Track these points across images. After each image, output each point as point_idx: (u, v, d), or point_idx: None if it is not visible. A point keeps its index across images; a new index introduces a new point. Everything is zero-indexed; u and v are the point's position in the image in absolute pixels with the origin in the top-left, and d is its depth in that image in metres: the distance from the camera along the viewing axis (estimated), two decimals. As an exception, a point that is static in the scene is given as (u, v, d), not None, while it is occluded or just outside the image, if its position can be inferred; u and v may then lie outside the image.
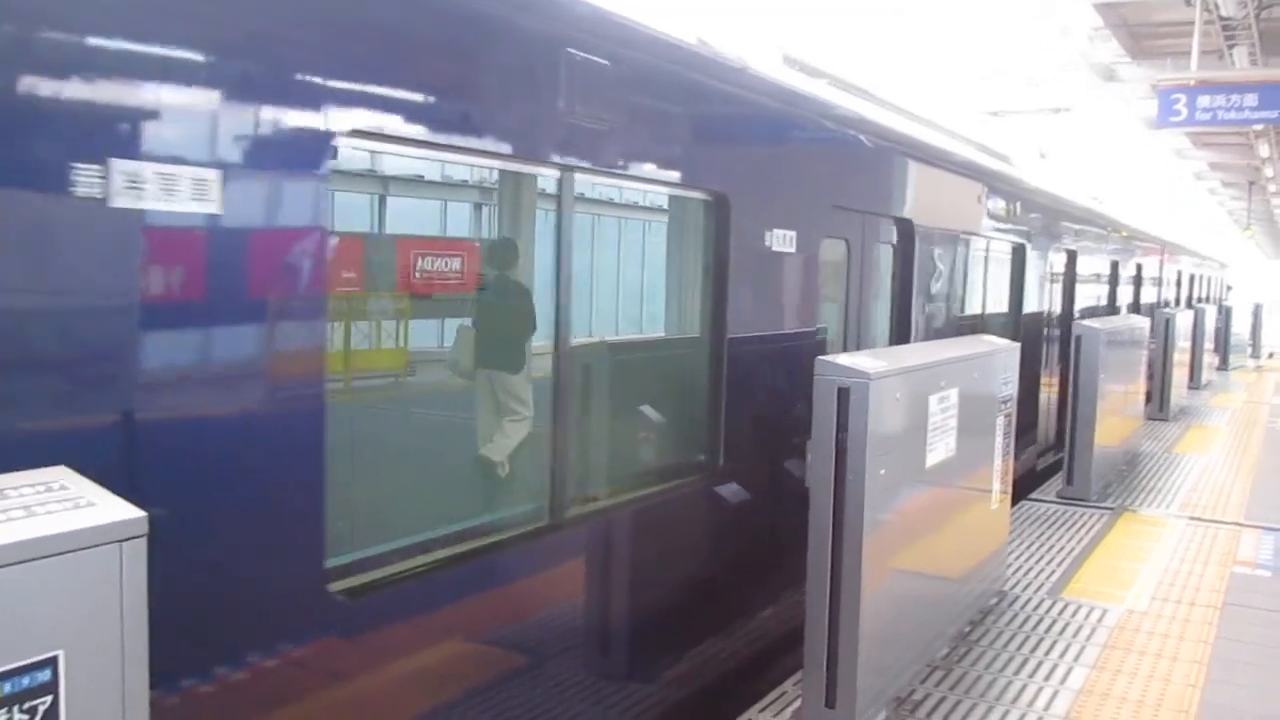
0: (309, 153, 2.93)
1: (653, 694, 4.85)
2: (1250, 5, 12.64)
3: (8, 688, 1.72)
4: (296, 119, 2.90)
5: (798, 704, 4.70)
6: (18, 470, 2.04)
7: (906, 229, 7.19)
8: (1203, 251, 28.70)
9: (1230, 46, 14.35)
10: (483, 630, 3.84)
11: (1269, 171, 24.79)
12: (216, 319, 2.73)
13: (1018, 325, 9.92)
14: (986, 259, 9.45)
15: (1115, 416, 9.96)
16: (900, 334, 7.26)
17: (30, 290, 2.35)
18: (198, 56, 2.64)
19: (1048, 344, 11.51)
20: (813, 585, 4.44)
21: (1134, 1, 14.42)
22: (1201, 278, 28.37)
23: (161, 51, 2.57)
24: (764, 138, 5.58)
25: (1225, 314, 23.84)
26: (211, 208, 2.64)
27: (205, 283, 2.68)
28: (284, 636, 2.96)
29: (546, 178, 4.16)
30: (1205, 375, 19.39)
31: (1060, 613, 6.22)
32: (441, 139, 3.46)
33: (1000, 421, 6.15)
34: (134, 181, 2.47)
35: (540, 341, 4.71)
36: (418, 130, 3.36)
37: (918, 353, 5.47)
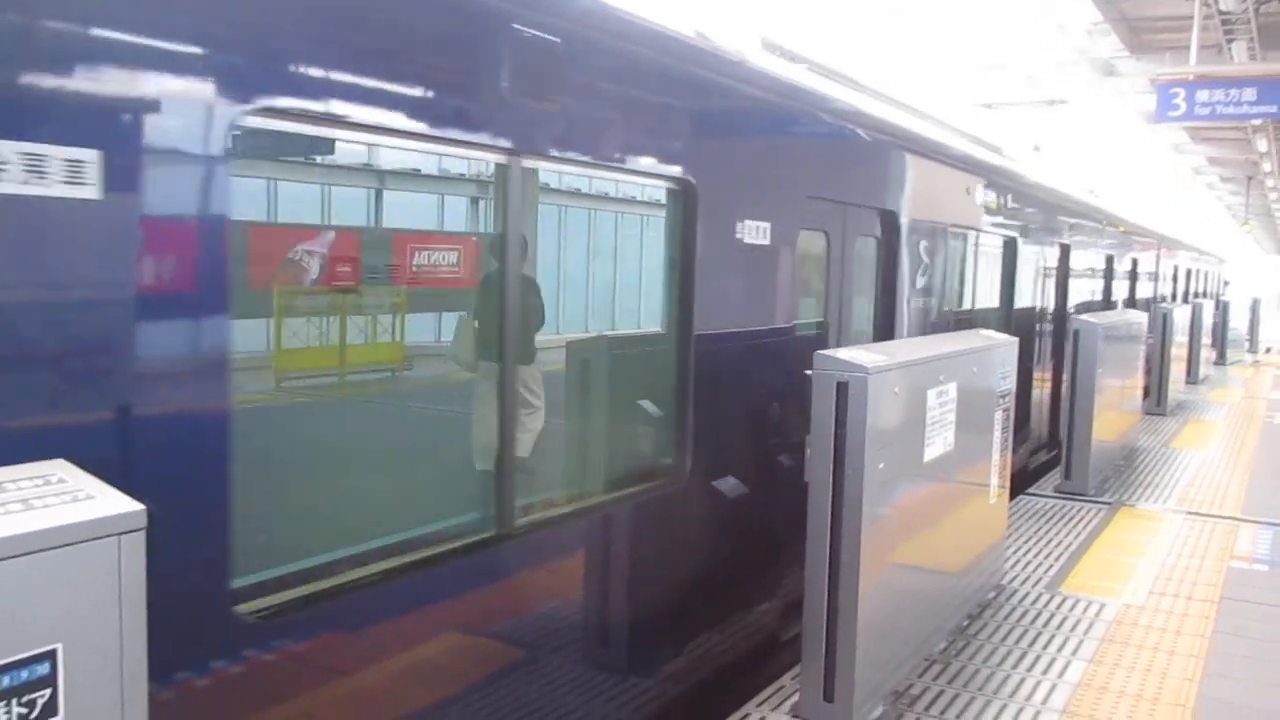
0: (207, 132, 2.64)
1: None
2: (1249, 0, 12.62)
3: (6, 681, 1.72)
4: (191, 93, 2.60)
5: (796, 698, 4.70)
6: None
7: (891, 221, 6.95)
8: (1200, 246, 28.67)
9: (1229, 41, 14.34)
10: (417, 653, 3.53)
11: (1267, 166, 24.81)
12: (93, 316, 2.46)
13: (1009, 321, 9.73)
14: (976, 253, 9.22)
15: (1113, 411, 9.97)
16: (884, 330, 7.03)
17: None
18: (74, 26, 2.37)
19: (1040, 340, 11.39)
20: (811, 579, 4.44)
21: (1133, -5, 14.42)
22: (1198, 273, 28.35)
23: (31, 17, 2.29)
24: (734, 124, 5.28)
25: (1223, 309, 23.87)
26: (89, 192, 2.39)
27: (81, 276, 2.41)
28: (183, 664, 2.68)
29: (493, 164, 3.86)
30: (1203, 370, 19.41)
31: (1058, 607, 6.23)
32: (370, 119, 3.17)
33: (998, 416, 6.15)
34: None
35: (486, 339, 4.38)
36: (342, 109, 3.06)
37: (916, 347, 5.47)
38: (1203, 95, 12.25)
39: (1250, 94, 12.10)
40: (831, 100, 6.36)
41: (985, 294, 9.60)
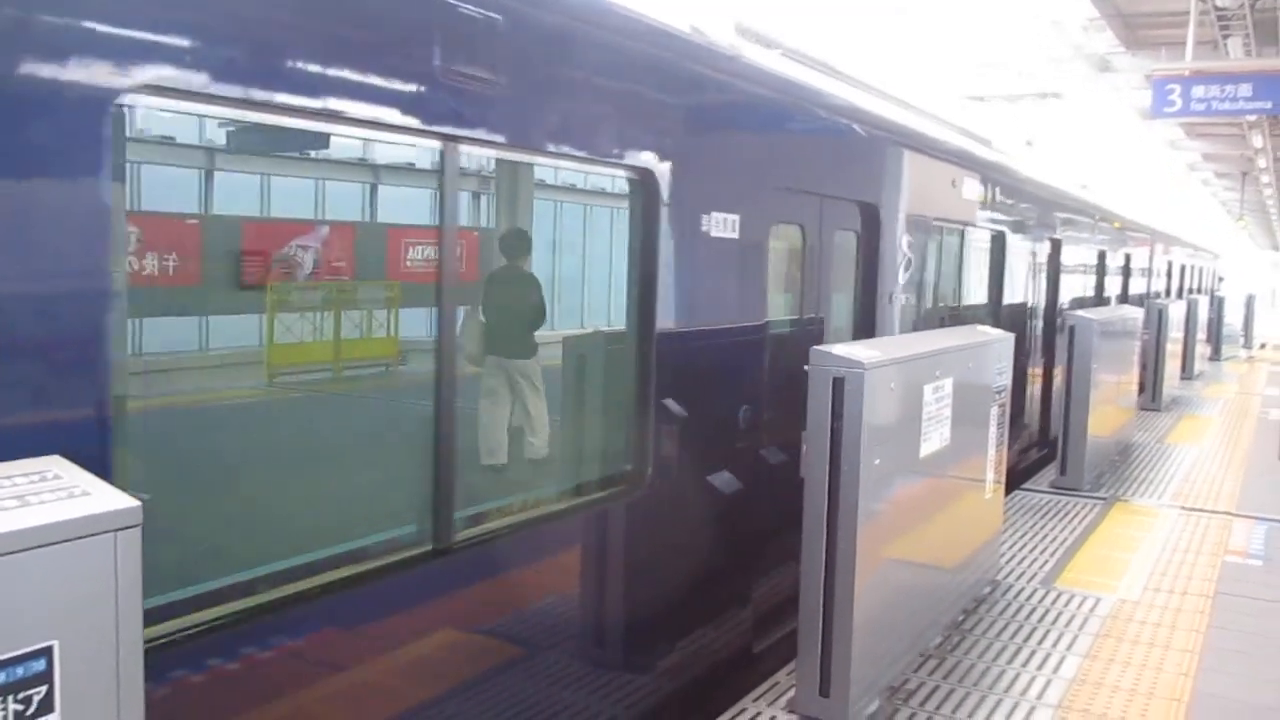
0: (83, 112, 2.39)
1: None
2: (1245, -4, 12.65)
3: (2, 677, 1.72)
4: (65, 71, 2.36)
5: (792, 693, 4.71)
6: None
7: (871, 215, 6.73)
8: (1194, 241, 28.69)
9: (1225, 37, 14.36)
10: (339, 686, 3.22)
11: (1262, 162, 24.86)
12: None
13: (997, 318, 9.55)
14: (963, 248, 9.01)
15: (1108, 407, 9.99)
16: (864, 328, 6.79)
17: None
18: None
19: (1030, 338, 11.28)
20: (807, 574, 4.44)
21: (1129, -9, 14.43)
22: (1193, 268, 28.38)
23: None
24: (700, 112, 4.98)
25: (1218, 305, 23.91)
26: None
27: None
28: None
29: (430, 149, 3.55)
30: (1198, 366, 19.45)
31: (1053, 602, 6.24)
32: (277, 99, 2.87)
33: (994, 411, 6.16)
34: None
35: (419, 336, 4.04)
36: (245, 89, 2.76)
37: (913, 343, 5.47)
38: (1198, 91, 12.26)
39: (1246, 90, 12.11)
40: (807, 88, 6.13)
41: (972, 290, 9.46)
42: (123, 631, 1.88)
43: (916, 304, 7.46)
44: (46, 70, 2.33)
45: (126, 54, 2.47)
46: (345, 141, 3.53)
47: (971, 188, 8.55)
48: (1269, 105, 12.41)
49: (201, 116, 2.91)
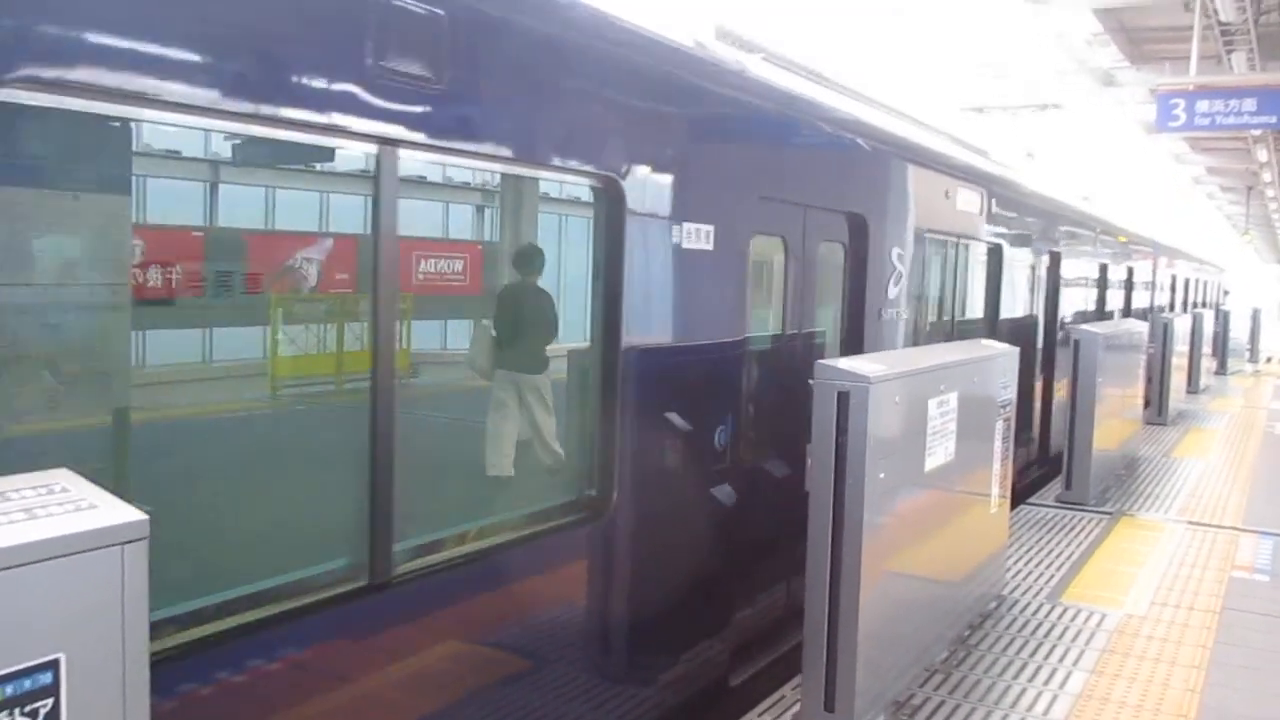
0: None
1: None
2: (1249, 10, 12.67)
3: (9, 690, 1.72)
4: None
5: (797, 708, 4.69)
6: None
7: (859, 226, 6.42)
8: (1199, 255, 28.64)
9: (1229, 51, 14.39)
10: None
11: (1267, 176, 24.86)
12: None
13: (993, 333, 9.24)
14: (957, 261, 8.69)
15: (1114, 421, 9.97)
16: (851, 343, 6.47)
17: None
18: None
19: (1029, 353, 10.96)
20: (812, 588, 4.43)
21: (1133, 7, 14.45)
22: (1197, 282, 28.32)
23: None
24: (672, 117, 4.69)
25: (1223, 318, 23.87)
26: None
27: None
28: None
29: (366, 155, 3.29)
30: (1203, 380, 19.40)
31: (1059, 617, 6.22)
32: (188, 97, 2.64)
33: (999, 425, 6.15)
34: None
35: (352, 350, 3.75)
36: (136, 83, 2.52)
37: (917, 357, 5.47)
38: (1203, 106, 12.28)
39: (1250, 104, 12.13)
40: (789, 94, 5.87)
41: (967, 304, 9.21)
42: (129, 644, 1.89)
43: (907, 319, 7.20)
44: None
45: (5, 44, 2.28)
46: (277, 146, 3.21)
47: (966, 199, 8.35)
48: (1273, 119, 12.42)
49: (85, 115, 2.54)
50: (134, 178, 3.26)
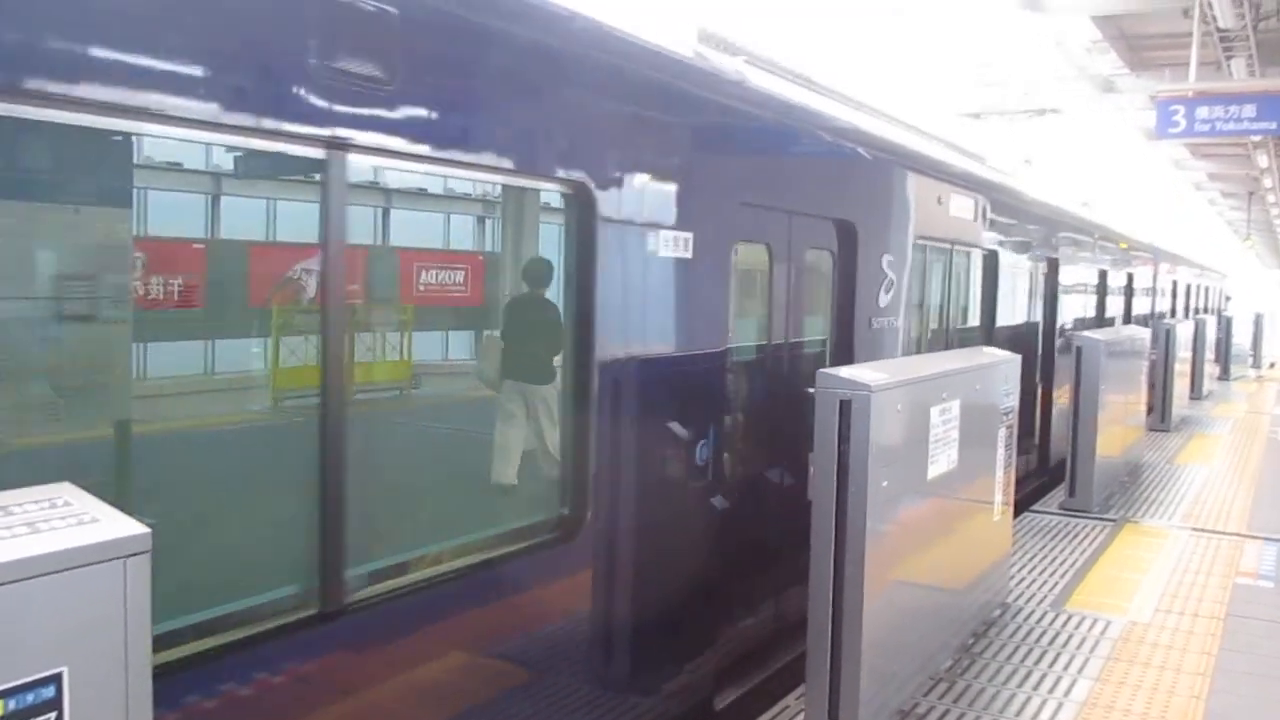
0: None
1: None
2: (1248, 16, 12.69)
3: (12, 704, 1.72)
4: None
5: (801, 717, 4.68)
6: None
7: (848, 233, 6.24)
8: (1200, 260, 28.61)
9: (1228, 58, 14.40)
10: None
11: (1268, 182, 24.85)
12: None
13: (989, 341, 9.15)
14: (951, 268, 8.48)
15: (1117, 427, 9.96)
16: (840, 354, 6.30)
17: None
18: None
19: (1027, 361, 10.88)
20: (815, 597, 4.43)
21: (1132, 14, 14.49)
22: (1199, 288, 28.29)
23: None
24: (646, 121, 4.51)
25: (1226, 324, 23.86)
26: None
27: None
28: None
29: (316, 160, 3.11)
30: (1206, 385, 19.38)
31: (1063, 625, 6.20)
32: (114, 97, 2.50)
33: (1002, 433, 6.15)
34: None
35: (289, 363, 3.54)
36: (48, 85, 2.38)
37: (919, 364, 5.47)
38: (1202, 112, 12.29)
39: (1250, 110, 12.14)
40: (772, 98, 5.69)
41: (963, 312, 9.05)
42: (131, 657, 1.89)
43: (900, 327, 7.03)
44: None
45: None
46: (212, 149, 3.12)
47: (960, 204, 8.19)
48: (1273, 125, 12.43)
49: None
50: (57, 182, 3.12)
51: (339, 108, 3.03)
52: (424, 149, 3.37)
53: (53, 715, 1.78)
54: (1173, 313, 22.51)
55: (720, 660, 5.22)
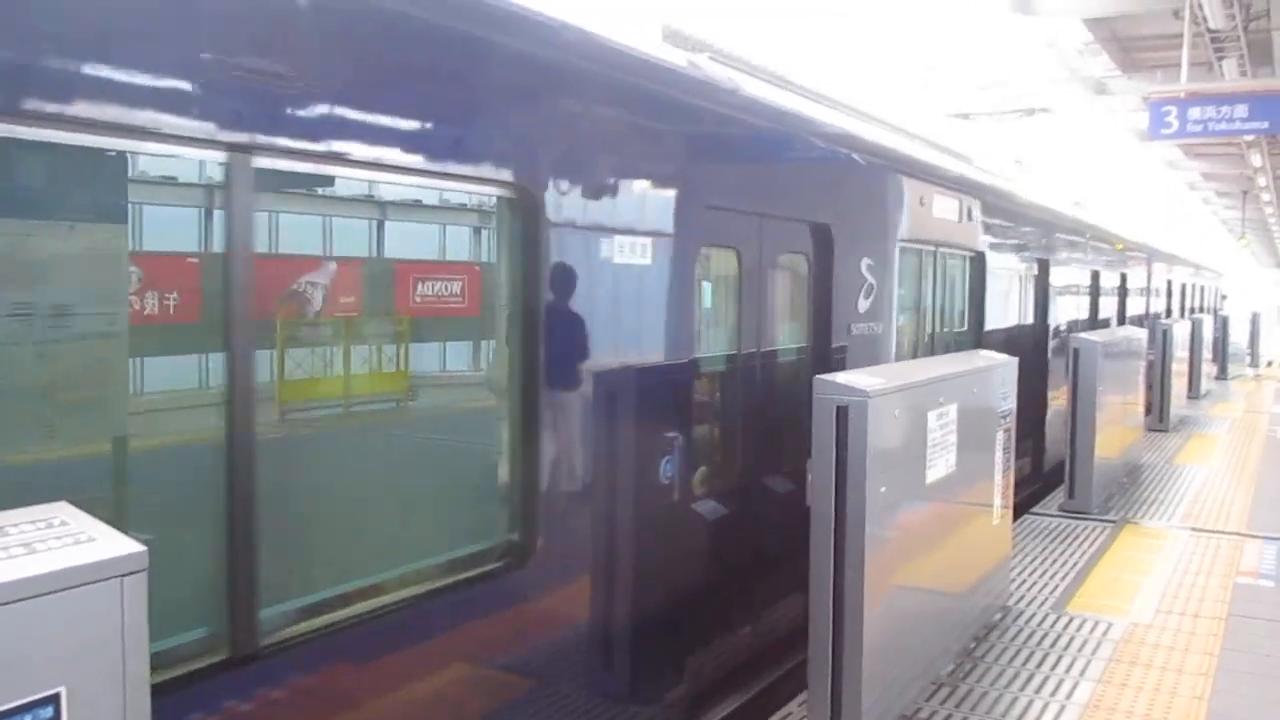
0: None
1: None
2: (1238, 17, 12.73)
3: (10, 726, 1.71)
4: None
5: (803, 724, 4.68)
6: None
7: (824, 236, 6.01)
8: (1195, 260, 28.65)
9: (1220, 58, 14.45)
10: None
11: (1262, 181, 24.91)
12: None
13: (978, 345, 8.96)
14: (935, 271, 8.23)
15: (1115, 428, 9.96)
16: (818, 361, 6.02)
17: None
18: None
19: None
20: (815, 603, 4.42)
21: (1123, 16, 14.53)
22: (1194, 287, 28.32)
23: None
24: (595, 119, 4.25)
25: (1223, 323, 23.90)
26: None
27: None
28: None
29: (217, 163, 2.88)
30: (1204, 385, 19.40)
31: (1065, 627, 6.20)
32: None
33: (1000, 436, 6.15)
34: None
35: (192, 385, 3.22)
36: None
37: (916, 369, 5.48)
38: (1195, 112, 12.32)
39: (1242, 110, 12.17)
40: (740, 95, 5.39)
41: (949, 316, 8.84)
42: (129, 675, 1.89)
43: (882, 332, 6.80)
44: None
45: None
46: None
47: (944, 206, 7.98)
48: (1265, 125, 12.46)
49: None
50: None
51: (241, 108, 2.81)
52: (340, 150, 3.12)
53: (51, 736, 1.77)
54: (1168, 313, 22.52)
55: (689, 691, 4.96)
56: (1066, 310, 12.86)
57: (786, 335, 5.96)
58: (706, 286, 5.30)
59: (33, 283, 2.79)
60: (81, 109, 2.48)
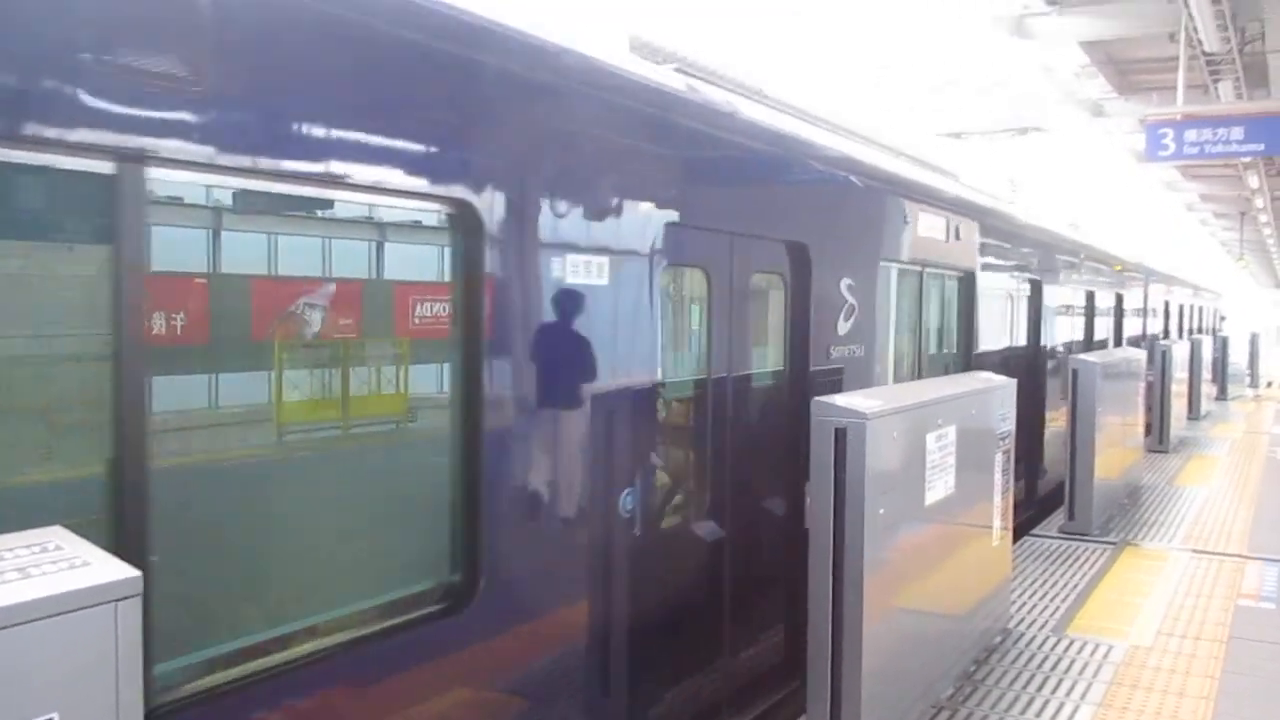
0: None
1: None
2: (1233, 40, 12.82)
3: (2, 752, 1.70)
4: None
5: (802, 749, 4.65)
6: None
7: (800, 256, 5.73)
8: (1194, 281, 28.68)
9: (1215, 81, 14.55)
10: None
11: (1259, 202, 24.99)
12: None
13: (968, 367, 8.70)
14: (922, 291, 7.93)
15: (1115, 449, 9.95)
16: (796, 384, 5.76)
17: None
18: None
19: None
20: (815, 626, 4.41)
21: (1119, 39, 14.63)
22: (1193, 308, 28.32)
23: None
24: (544, 131, 3.93)
25: (1222, 344, 23.92)
26: None
27: None
28: None
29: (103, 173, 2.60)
30: (1204, 406, 19.40)
31: (1065, 650, 6.17)
32: None
33: (999, 458, 6.15)
34: None
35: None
36: None
37: (915, 391, 5.48)
38: (1191, 135, 12.38)
39: (1238, 132, 12.23)
40: (706, 107, 5.11)
41: (936, 338, 8.55)
42: (122, 700, 1.88)
43: (865, 356, 6.50)
44: None
45: None
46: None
47: (930, 224, 7.71)
48: (1261, 146, 12.52)
49: None
50: None
51: (131, 113, 2.57)
52: (249, 161, 2.86)
53: (44, 762, 1.76)
54: (1166, 334, 22.50)
55: None
56: (1061, 332, 12.69)
57: (761, 359, 5.68)
58: (671, 308, 5.05)
59: None
60: None
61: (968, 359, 8.94)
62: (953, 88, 18.74)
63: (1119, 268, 16.63)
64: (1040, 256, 11.48)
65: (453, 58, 3.53)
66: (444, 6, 3.55)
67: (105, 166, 2.57)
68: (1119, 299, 16.77)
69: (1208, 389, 20.39)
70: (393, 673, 3.31)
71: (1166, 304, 22.78)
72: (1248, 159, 17.75)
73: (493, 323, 3.66)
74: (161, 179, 2.70)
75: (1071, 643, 6.29)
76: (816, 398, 4.51)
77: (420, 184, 3.36)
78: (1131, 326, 18.04)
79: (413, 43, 3.38)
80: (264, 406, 3.46)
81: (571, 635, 4.11)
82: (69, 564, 1.89)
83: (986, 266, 9.35)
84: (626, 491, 4.34)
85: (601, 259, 4.17)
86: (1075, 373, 9.13)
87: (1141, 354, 11.79)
